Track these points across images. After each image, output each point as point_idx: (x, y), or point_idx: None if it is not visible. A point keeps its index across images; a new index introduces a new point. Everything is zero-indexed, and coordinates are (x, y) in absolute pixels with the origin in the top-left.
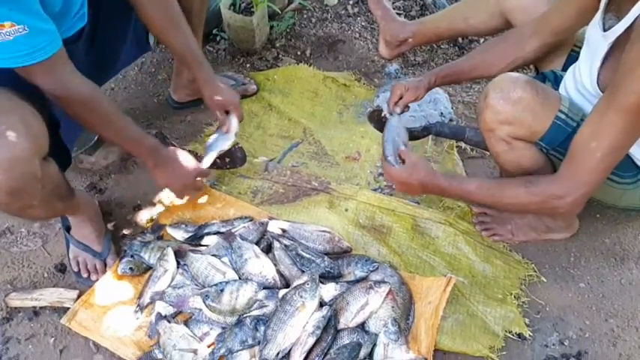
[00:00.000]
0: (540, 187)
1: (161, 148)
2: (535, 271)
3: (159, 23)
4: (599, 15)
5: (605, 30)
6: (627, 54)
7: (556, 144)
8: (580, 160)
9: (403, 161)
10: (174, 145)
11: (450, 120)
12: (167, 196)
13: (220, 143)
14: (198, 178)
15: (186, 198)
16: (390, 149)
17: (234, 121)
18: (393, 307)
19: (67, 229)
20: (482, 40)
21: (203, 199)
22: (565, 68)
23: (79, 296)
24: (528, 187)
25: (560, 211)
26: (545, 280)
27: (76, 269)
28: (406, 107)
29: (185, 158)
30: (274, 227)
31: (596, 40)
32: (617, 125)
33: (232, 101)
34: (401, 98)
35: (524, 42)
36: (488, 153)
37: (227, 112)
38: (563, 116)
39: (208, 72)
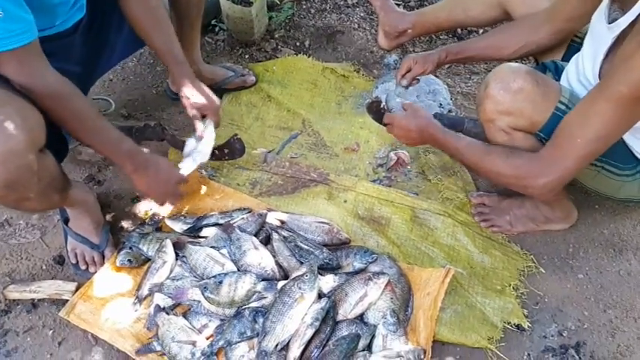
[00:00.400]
0: (518, 162)
1: (140, 152)
2: (534, 262)
3: (141, 21)
4: (604, 5)
5: (609, 22)
6: (625, 46)
7: None
8: (562, 143)
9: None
10: (172, 137)
11: (449, 111)
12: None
13: (197, 154)
14: (178, 186)
15: (166, 205)
16: (393, 100)
17: (210, 127)
18: (391, 298)
19: (66, 221)
20: (481, 31)
21: (202, 191)
22: (565, 58)
23: (77, 288)
24: (508, 158)
25: (530, 190)
26: (543, 271)
27: (74, 261)
28: (415, 80)
29: (165, 164)
30: (273, 219)
31: (601, 32)
32: (604, 114)
33: (211, 106)
34: (409, 72)
35: (537, 27)
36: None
37: (204, 117)
38: (563, 107)
39: (188, 74)
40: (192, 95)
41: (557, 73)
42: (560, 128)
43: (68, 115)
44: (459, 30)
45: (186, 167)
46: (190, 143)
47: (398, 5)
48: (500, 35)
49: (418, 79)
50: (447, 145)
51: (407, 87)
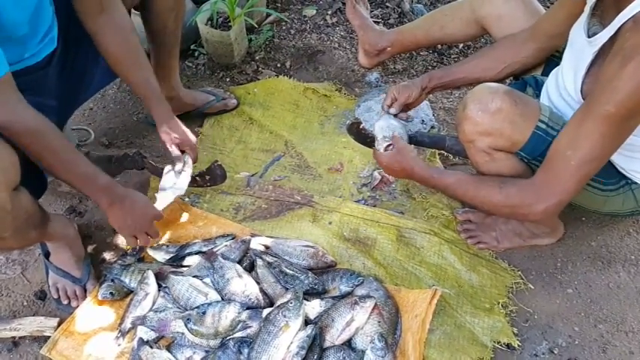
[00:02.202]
0: (513, 191)
1: (117, 187)
2: (522, 279)
3: (117, 56)
4: (584, 19)
5: (589, 36)
6: (608, 64)
7: (537, 154)
8: (555, 168)
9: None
10: (152, 165)
11: (432, 127)
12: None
13: (175, 186)
14: (154, 223)
15: (138, 241)
16: (379, 135)
17: (189, 162)
18: (379, 321)
19: (46, 255)
20: (461, 45)
21: (184, 218)
22: (544, 73)
23: (59, 324)
24: (502, 189)
25: (530, 218)
26: (532, 287)
27: (55, 296)
28: (404, 110)
29: (142, 199)
30: (257, 244)
31: (581, 46)
32: (594, 135)
33: (187, 141)
34: (395, 101)
35: (519, 46)
36: (470, 160)
37: (182, 152)
38: (543, 126)
39: (166, 108)
40: (171, 131)
41: (538, 88)
42: (552, 152)
43: (43, 152)
44: (439, 46)
45: (163, 201)
46: (168, 177)
47: (377, 23)
48: (483, 57)
49: (409, 115)
50: (436, 183)
51: (396, 115)
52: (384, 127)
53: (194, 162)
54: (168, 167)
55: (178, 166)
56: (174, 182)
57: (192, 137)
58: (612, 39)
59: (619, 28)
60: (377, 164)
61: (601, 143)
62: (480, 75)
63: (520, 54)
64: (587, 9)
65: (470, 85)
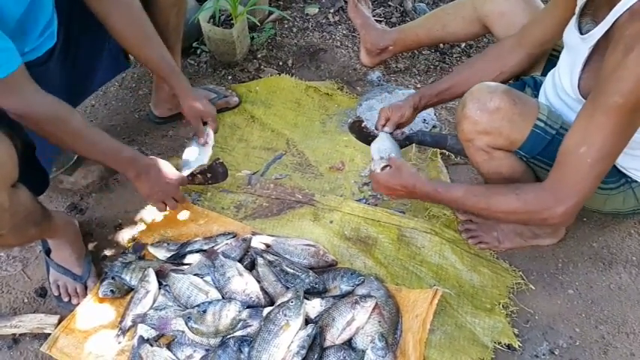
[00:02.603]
0: (529, 196)
1: (141, 157)
2: (523, 279)
3: (131, 38)
4: (574, 19)
5: (582, 33)
6: (609, 56)
7: (535, 152)
8: (570, 167)
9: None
10: None
11: (434, 126)
12: (148, 212)
13: (199, 156)
14: (179, 188)
15: (166, 212)
16: (376, 156)
17: (211, 134)
18: (379, 321)
19: (47, 252)
20: (462, 45)
21: (185, 216)
22: (545, 73)
23: (59, 321)
24: (518, 195)
25: (550, 222)
26: (533, 288)
27: (56, 293)
28: (397, 128)
29: (166, 166)
30: (258, 242)
31: (575, 44)
32: (605, 128)
33: (210, 112)
34: (388, 120)
35: (506, 56)
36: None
37: (204, 124)
38: (541, 124)
39: (185, 83)
40: (194, 104)
41: (536, 88)
42: (564, 151)
43: (65, 136)
44: (441, 45)
45: (187, 169)
46: (191, 150)
47: (380, 21)
48: (472, 69)
49: (403, 132)
50: (442, 198)
51: (391, 133)
52: (380, 148)
53: (215, 132)
54: (191, 140)
55: (201, 139)
56: (197, 153)
57: (213, 108)
58: (607, 34)
59: (614, 23)
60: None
61: (613, 137)
62: (471, 86)
63: (509, 63)
64: (577, 9)
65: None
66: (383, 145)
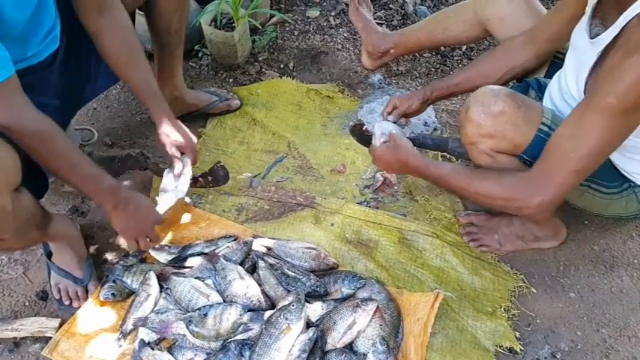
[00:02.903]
0: (509, 182)
1: (120, 190)
2: (524, 282)
3: (118, 59)
4: (585, 21)
5: (592, 38)
6: (610, 58)
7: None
8: (553, 160)
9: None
10: (155, 165)
11: (435, 129)
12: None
13: (175, 190)
14: (155, 227)
15: (138, 245)
16: (377, 131)
17: (188, 165)
18: (381, 325)
19: (49, 255)
20: (464, 47)
21: (187, 219)
22: (549, 75)
23: (60, 325)
24: (498, 180)
25: (524, 211)
26: (534, 291)
27: (57, 296)
28: (403, 118)
29: (145, 202)
30: (259, 246)
31: (583, 48)
32: (594, 127)
33: (188, 142)
34: (395, 109)
35: (517, 52)
36: (471, 162)
37: (182, 154)
38: (545, 128)
39: (165, 109)
40: (171, 133)
41: (541, 90)
42: (551, 144)
43: (47, 154)
44: (441, 48)
45: (164, 204)
46: (168, 180)
47: (381, 24)
48: (484, 64)
49: (408, 121)
50: (430, 173)
51: (395, 122)
52: (383, 125)
53: (193, 164)
54: (167, 170)
55: (178, 168)
56: (174, 185)
57: (193, 138)
58: (615, 39)
59: (623, 28)
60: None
61: (601, 136)
62: (482, 81)
63: (519, 59)
64: (587, 10)
65: (472, 91)
66: (386, 124)
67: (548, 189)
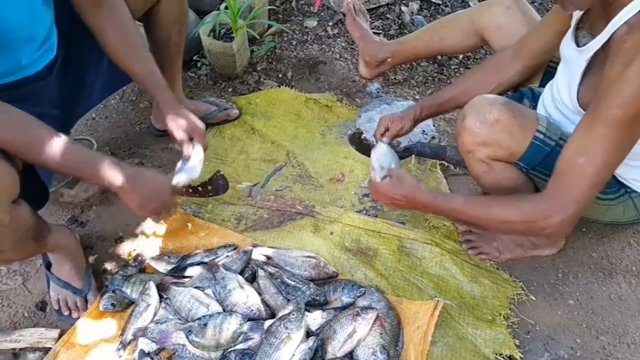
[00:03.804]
0: (528, 206)
1: (124, 166)
2: (523, 290)
3: (122, 53)
4: (570, 32)
5: (579, 46)
6: (608, 69)
7: (535, 164)
8: (568, 177)
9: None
10: None
11: (433, 137)
12: (149, 225)
13: (189, 170)
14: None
15: (163, 224)
16: (376, 165)
17: (198, 148)
18: (381, 333)
19: (48, 265)
20: (461, 56)
21: (186, 228)
22: (542, 84)
23: (60, 336)
24: (517, 205)
25: (548, 231)
26: (534, 299)
27: (56, 307)
28: (394, 138)
29: (152, 173)
30: (258, 255)
31: (573, 57)
32: (604, 139)
33: (196, 127)
34: (387, 130)
35: (505, 67)
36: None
37: (191, 140)
38: (541, 136)
39: (171, 97)
40: (179, 119)
41: (535, 99)
42: (562, 161)
43: (31, 147)
44: (438, 56)
45: (179, 180)
46: (180, 164)
47: (378, 34)
48: (471, 81)
49: (399, 142)
50: (441, 207)
51: (389, 144)
52: (380, 158)
53: (205, 149)
54: (180, 162)
55: (187, 150)
56: (186, 165)
57: (201, 124)
58: (604, 47)
59: (611, 35)
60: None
61: (611, 148)
62: (470, 99)
63: (507, 75)
64: (572, 23)
65: (460, 108)
66: (383, 155)
67: (567, 206)
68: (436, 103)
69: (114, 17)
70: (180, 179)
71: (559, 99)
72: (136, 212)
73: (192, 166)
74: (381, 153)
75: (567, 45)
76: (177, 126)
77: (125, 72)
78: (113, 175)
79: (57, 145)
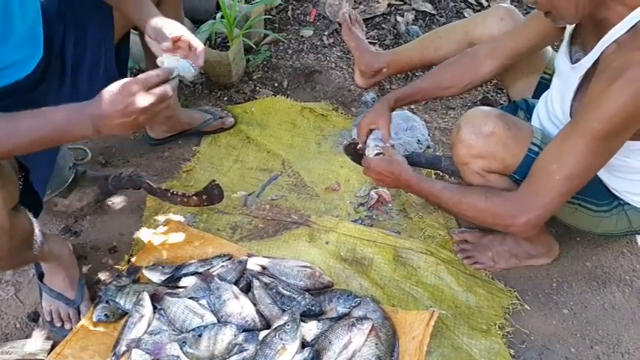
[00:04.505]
0: (497, 201)
1: (81, 109)
2: (518, 299)
3: None
4: (564, 47)
5: (573, 63)
6: (592, 85)
7: None
8: (539, 181)
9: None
10: (149, 184)
11: (428, 147)
12: (143, 235)
13: (179, 69)
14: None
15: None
16: (372, 142)
17: (200, 47)
18: (376, 344)
19: (40, 276)
20: None
21: (180, 237)
22: (536, 96)
23: (52, 347)
24: (487, 198)
25: (511, 229)
26: (528, 308)
27: (49, 318)
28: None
29: (115, 87)
30: (253, 264)
31: (566, 72)
32: (579, 151)
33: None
34: (371, 131)
35: (478, 65)
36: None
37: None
38: (535, 149)
39: (156, 12)
40: (165, 25)
41: (529, 111)
42: (537, 166)
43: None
44: (433, 67)
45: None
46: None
47: (373, 43)
48: (445, 75)
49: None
50: (422, 189)
51: (381, 145)
52: (378, 137)
53: (200, 64)
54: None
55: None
56: (177, 61)
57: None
58: (595, 63)
59: (601, 53)
60: (372, 182)
61: (586, 159)
62: (442, 92)
63: (480, 72)
64: (566, 36)
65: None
66: (379, 135)
67: (534, 209)
68: (408, 94)
69: None
70: (168, 63)
71: (553, 112)
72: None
73: (184, 63)
74: (377, 135)
75: (561, 60)
76: (173, 25)
77: (119, 11)
78: (79, 128)
79: (7, 127)
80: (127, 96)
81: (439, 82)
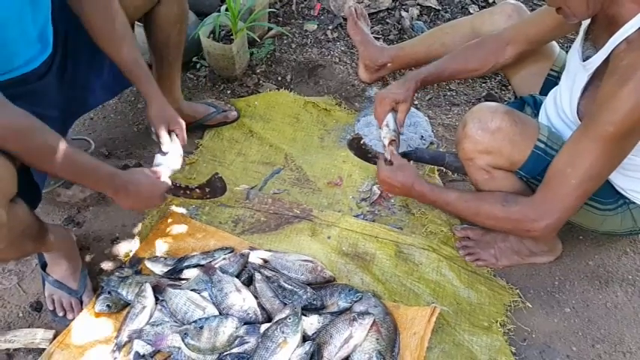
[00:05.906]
0: (516, 208)
1: (118, 175)
2: (520, 297)
3: (104, 34)
4: (578, 42)
5: (583, 60)
6: (603, 86)
7: (536, 173)
8: (555, 185)
9: (392, 163)
10: None
11: (431, 143)
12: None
13: (170, 166)
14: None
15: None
16: (385, 126)
17: (176, 140)
18: (377, 339)
19: (43, 266)
20: None
21: (183, 230)
22: (543, 92)
23: (55, 336)
24: (505, 206)
25: (532, 234)
26: (530, 306)
27: (51, 308)
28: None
29: (145, 180)
30: (255, 258)
31: (576, 69)
32: (593, 153)
33: (178, 121)
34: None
35: (502, 49)
36: (468, 177)
37: (170, 133)
38: (542, 145)
39: (155, 89)
40: (160, 111)
41: (536, 107)
42: (552, 170)
43: (34, 151)
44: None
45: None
46: (157, 159)
47: (378, 39)
48: (472, 57)
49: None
50: (436, 198)
51: (399, 127)
52: (392, 120)
53: (182, 143)
54: (157, 150)
55: (166, 145)
56: (165, 162)
57: (181, 121)
58: (605, 61)
59: (612, 51)
60: (375, 179)
61: (600, 161)
62: (466, 76)
63: (502, 56)
64: (580, 32)
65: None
66: (392, 119)
67: (553, 213)
68: (435, 75)
69: (100, 3)
70: (163, 172)
71: (561, 108)
72: (125, 209)
73: (173, 158)
74: (392, 118)
75: (573, 56)
76: (158, 117)
77: (111, 57)
78: (107, 185)
79: (55, 154)
80: (148, 202)
81: (465, 63)
